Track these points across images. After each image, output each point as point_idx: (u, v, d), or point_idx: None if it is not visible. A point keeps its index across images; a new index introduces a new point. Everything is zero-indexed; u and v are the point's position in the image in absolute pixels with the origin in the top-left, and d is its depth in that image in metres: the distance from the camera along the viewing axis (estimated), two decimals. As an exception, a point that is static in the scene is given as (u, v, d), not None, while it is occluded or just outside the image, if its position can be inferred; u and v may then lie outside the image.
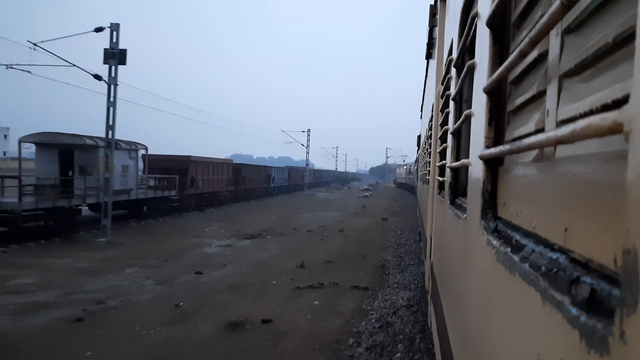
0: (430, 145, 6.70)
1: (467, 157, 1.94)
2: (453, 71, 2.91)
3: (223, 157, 34.72)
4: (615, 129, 0.48)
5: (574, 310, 0.59)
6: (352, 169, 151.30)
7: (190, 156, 25.89)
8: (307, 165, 55.24)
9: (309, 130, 51.61)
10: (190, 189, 25.28)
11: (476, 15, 1.81)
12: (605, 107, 0.63)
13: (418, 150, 19.46)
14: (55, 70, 16.45)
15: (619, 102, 0.57)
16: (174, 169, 24.08)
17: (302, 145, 52.41)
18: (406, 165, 74.04)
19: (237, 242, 15.14)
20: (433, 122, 5.69)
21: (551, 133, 0.67)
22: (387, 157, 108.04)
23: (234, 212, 25.33)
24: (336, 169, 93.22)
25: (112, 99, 14.83)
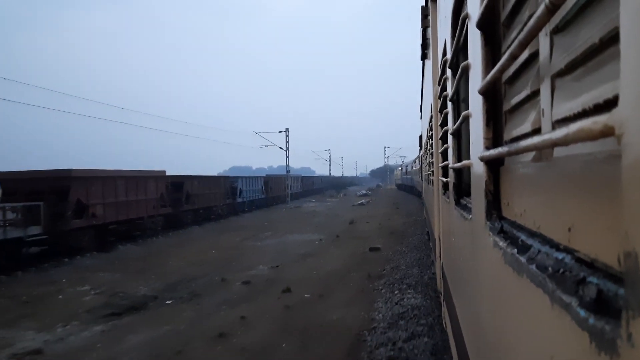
0: (432, 145, 6.70)
1: (468, 157, 1.94)
2: (448, 72, 2.92)
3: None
4: (607, 133, 0.49)
5: (582, 312, 0.59)
6: (351, 172, 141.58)
7: (70, 170, 16.52)
8: (288, 171, 45.22)
9: (287, 130, 43.27)
10: (76, 220, 16.25)
11: (466, 16, 1.82)
12: (598, 107, 0.63)
13: (420, 150, 19.41)
14: None
15: (611, 103, 0.58)
16: (45, 192, 15.49)
17: (281, 148, 43.71)
18: (401, 165, 68.42)
19: (76, 333, 7.81)
20: (433, 123, 5.70)
21: (546, 136, 0.68)
22: (386, 157, 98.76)
23: (161, 247, 17.48)
24: (330, 173, 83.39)
25: None
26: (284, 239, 18.42)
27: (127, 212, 19.44)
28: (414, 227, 20.13)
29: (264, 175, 45.64)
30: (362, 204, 38.67)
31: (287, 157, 44.34)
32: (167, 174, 26.62)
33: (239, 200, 33.55)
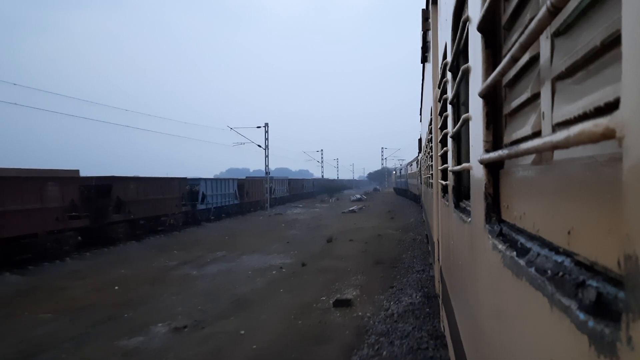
0: (431, 148, 6.70)
1: (468, 160, 1.95)
2: (449, 75, 2.92)
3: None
4: (608, 135, 0.49)
5: (582, 315, 0.59)
6: (348, 175, 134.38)
7: None
8: (267, 173, 38.98)
9: (266, 125, 37.38)
10: None
11: (467, 19, 1.82)
12: (599, 110, 0.63)
13: (419, 153, 19.41)
14: None
15: (612, 106, 0.58)
16: None
17: (259, 146, 37.44)
18: (395, 169, 65.05)
19: None
20: (433, 126, 5.70)
21: (547, 138, 0.68)
22: (383, 159, 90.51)
23: (53, 278, 12.61)
24: (322, 176, 76.21)
25: None
26: (235, 263, 13.95)
27: (9, 229, 13.74)
28: (411, 252, 14.32)
29: (247, 177, 41.42)
30: (353, 210, 34.58)
31: (267, 156, 38.16)
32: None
33: (202, 207, 28.19)
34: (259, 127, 37.36)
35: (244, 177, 41.35)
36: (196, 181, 28.54)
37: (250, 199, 37.19)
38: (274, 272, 12.50)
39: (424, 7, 6.51)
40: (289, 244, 17.58)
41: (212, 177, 33.23)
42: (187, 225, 25.55)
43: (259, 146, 37.41)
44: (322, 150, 72.70)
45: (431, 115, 6.18)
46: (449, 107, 2.93)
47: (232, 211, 32.89)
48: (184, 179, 27.19)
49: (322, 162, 73.12)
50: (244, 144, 37.67)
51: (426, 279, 10.35)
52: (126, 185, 20.38)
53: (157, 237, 21.30)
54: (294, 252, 15.60)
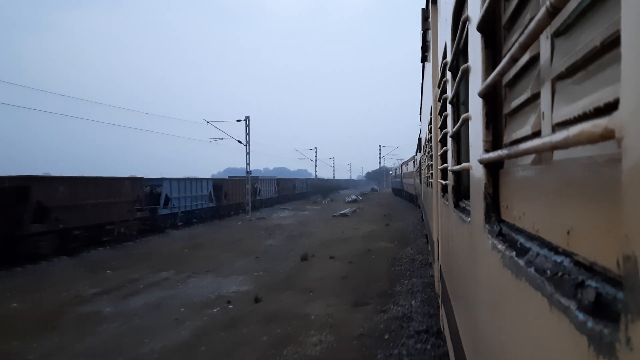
0: (431, 148, 6.70)
1: (468, 160, 1.95)
2: (448, 74, 2.92)
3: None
4: (607, 136, 0.49)
5: (581, 316, 0.59)
6: (345, 175, 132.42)
7: None
8: (248, 172, 34.40)
9: (247, 118, 33.15)
10: None
11: (467, 19, 1.82)
12: (598, 111, 0.63)
13: (419, 152, 19.39)
14: None
15: (611, 106, 0.58)
16: None
17: (240, 142, 33.33)
18: (391, 169, 63.57)
19: None
20: (432, 125, 5.70)
21: (546, 139, 0.68)
22: (381, 157, 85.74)
23: None
24: (316, 175, 73.45)
25: None
26: (174, 291, 10.56)
27: None
28: (408, 281, 10.34)
29: (231, 177, 37.57)
30: (345, 214, 31.10)
31: (248, 153, 33.42)
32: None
33: (165, 211, 23.80)
34: (239, 120, 32.95)
35: (227, 177, 38.21)
36: (158, 182, 24.01)
37: (230, 201, 32.85)
38: (215, 310, 8.88)
39: (424, 7, 6.51)
40: (257, 260, 14.23)
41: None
42: (145, 234, 21.30)
43: (239, 142, 33.29)
44: (315, 148, 69.90)
45: (431, 114, 6.18)
46: (449, 106, 2.93)
47: (206, 216, 28.75)
48: (139, 179, 22.38)
49: (315, 160, 70.09)
50: (222, 139, 33.47)
51: (435, 357, 5.90)
52: (51, 187, 15.67)
53: (100, 251, 17.22)
54: (259, 273, 12.25)
